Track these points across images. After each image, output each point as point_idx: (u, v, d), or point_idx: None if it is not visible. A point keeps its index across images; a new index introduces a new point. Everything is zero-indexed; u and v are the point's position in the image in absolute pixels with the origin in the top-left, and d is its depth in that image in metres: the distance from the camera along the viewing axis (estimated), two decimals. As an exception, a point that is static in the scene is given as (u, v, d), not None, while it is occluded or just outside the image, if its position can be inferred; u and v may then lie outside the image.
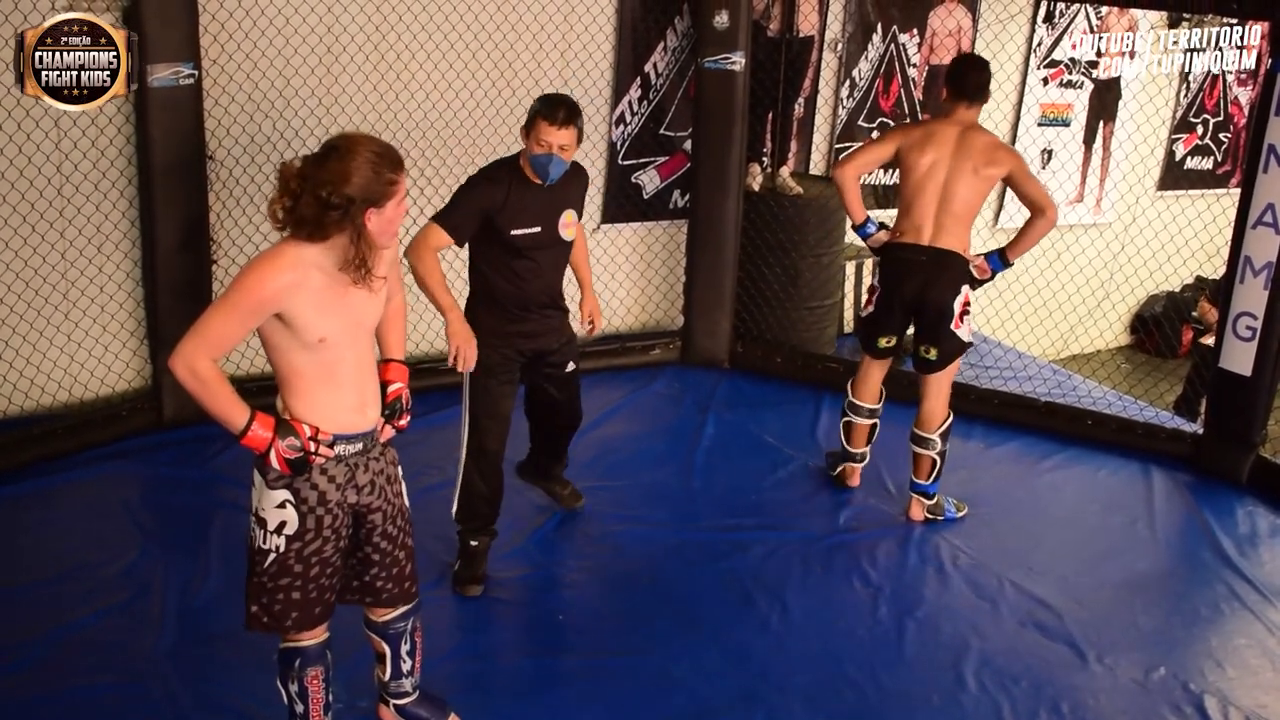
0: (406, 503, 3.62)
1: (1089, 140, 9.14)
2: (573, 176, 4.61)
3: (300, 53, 6.16)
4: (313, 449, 3.24)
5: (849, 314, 8.03)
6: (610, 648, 4.49)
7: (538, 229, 4.50)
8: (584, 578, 4.86)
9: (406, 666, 3.77)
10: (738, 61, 6.81)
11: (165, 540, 4.99)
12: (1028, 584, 5.07)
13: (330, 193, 3.05)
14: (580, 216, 4.74)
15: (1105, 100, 9.11)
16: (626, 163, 7.32)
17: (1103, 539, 5.58)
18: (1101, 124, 9.14)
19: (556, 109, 4.38)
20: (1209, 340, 7.79)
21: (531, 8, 6.75)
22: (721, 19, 6.73)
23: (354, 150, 3.09)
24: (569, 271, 4.80)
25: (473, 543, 4.77)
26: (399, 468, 3.60)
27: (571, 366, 4.82)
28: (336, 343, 3.23)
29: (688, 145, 7.27)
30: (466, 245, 4.57)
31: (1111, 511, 5.82)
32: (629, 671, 4.34)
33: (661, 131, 7.37)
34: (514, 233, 4.46)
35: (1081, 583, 5.13)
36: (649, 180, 7.42)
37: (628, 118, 7.24)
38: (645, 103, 7.26)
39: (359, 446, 3.38)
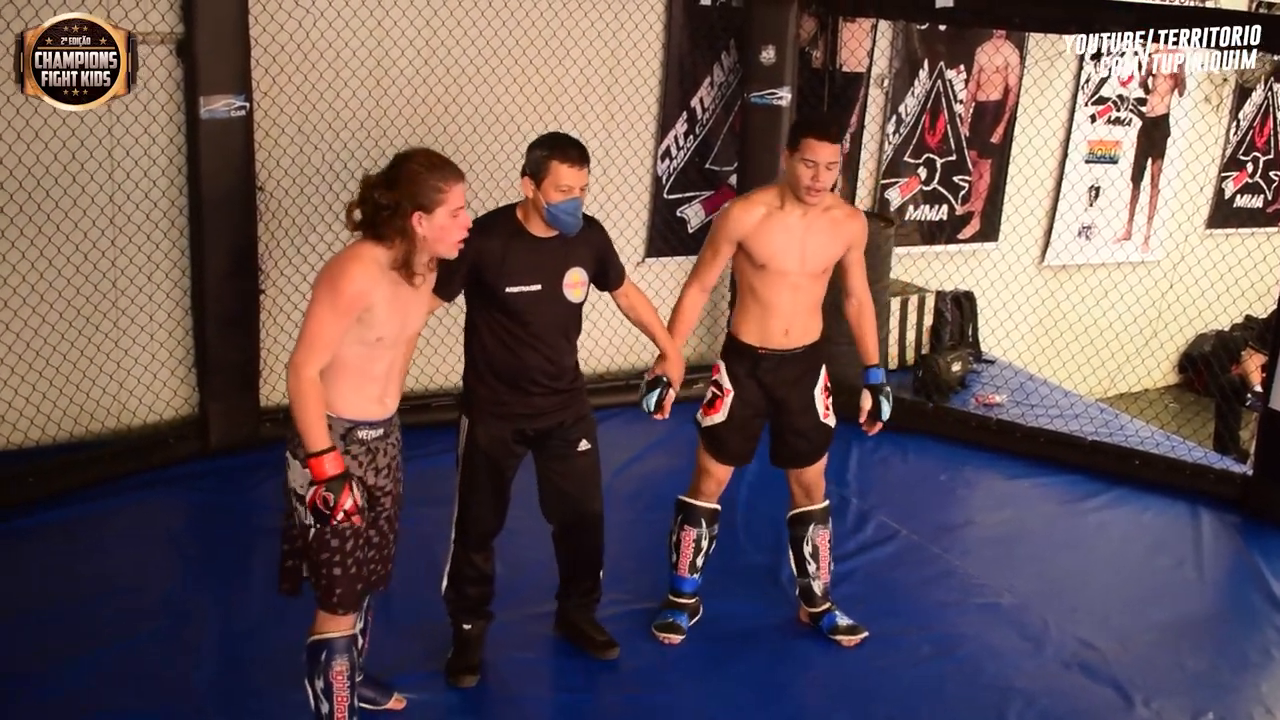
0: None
1: (1137, 177, 9.07)
2: (585, 229, 4.07)
3: (350, 85, 6.23)
4: (339, 517, 3.41)
5: (894, 350, 7.98)
6: (645, 684, 4.46)
7: (537, 286, 3.98)
8: (619, 612, 4.83)
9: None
10: (784, 96, 6.83)
11: (207, 568, 5.02)
12: (1072, 625, 5.01)
13: (380, 194, 3.37)
14: (607, 270, 4.22)
15: (1154, 137, 9.04)
16: (672, 197, 7.33)
17: (1149, 580, 5.51)
18: (1150, 161, 9.08)
19: (570, 148, 3.91)
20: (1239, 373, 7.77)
21: (580, 41, 6.80)
22: (768, 54, 6.77)
23: (407, 159, 3.44)
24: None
25: (465, 626, 4.33)
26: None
27: (585, 446, 4.23)
28: (390, 344, 3.50)
29: (733, 180, 7.29)
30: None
31: (1158, 553, 5.75)
32: (664, 709, 4.32)
33: (707, 166, 7.38)
34: (509, 290, 3.96)
35: (1127, 625, 5.06)
36: (694, 214, 7.43)
37: (674, 152, 7.26)
38: (691, 137, 7.28)
39: (379, 432, 3.58)
